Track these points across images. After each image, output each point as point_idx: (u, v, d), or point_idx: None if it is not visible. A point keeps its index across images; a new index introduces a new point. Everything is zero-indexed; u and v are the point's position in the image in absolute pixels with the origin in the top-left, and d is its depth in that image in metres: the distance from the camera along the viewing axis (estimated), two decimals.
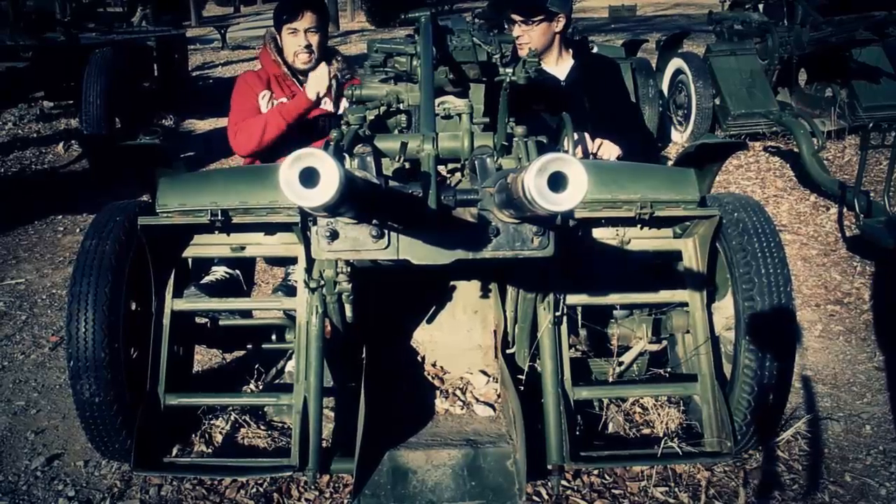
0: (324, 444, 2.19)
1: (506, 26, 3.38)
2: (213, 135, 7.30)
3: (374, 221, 1.58)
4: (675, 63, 6.61)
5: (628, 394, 2.51)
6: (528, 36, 3.22)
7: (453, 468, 2.12)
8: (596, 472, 2.29)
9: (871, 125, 4.18)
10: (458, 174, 2.16)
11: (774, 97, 6.24)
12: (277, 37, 3.22)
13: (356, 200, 1.34)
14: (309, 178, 1.11)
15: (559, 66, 3.35)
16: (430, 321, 2.60)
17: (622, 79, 3.63)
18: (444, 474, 2.11)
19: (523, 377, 2.37)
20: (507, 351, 2.43)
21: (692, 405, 2.45)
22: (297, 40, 3.12)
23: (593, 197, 2.14)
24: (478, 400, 2.44)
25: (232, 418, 2.50)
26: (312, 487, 2.24)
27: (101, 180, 5.80)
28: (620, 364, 2.50)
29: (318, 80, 3.08)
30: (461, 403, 2.43)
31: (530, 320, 2.29)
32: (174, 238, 2.27)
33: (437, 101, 2.21)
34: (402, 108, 2.31)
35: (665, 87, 6.73)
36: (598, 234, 2.29)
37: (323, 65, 3.14)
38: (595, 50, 4.23)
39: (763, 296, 2.12)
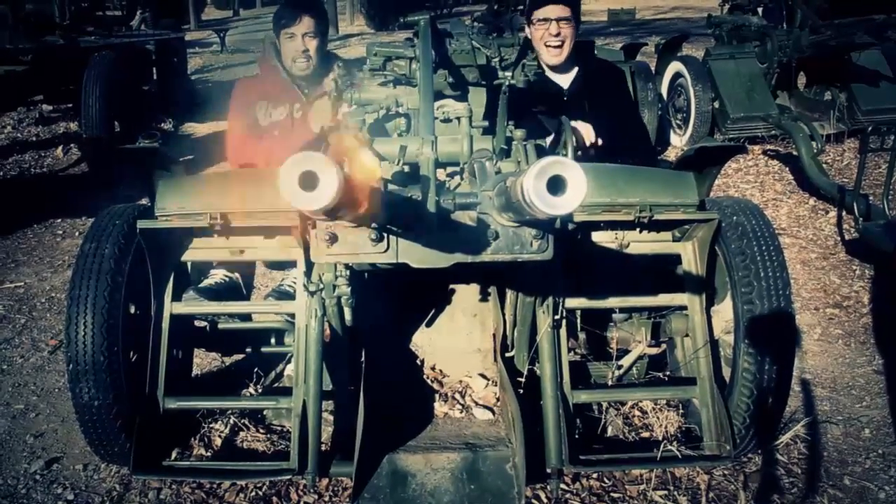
0: (323, 448, 2.19)
1: (528, 26, 3.18)
2: (213, 138, 7.29)
3: (374, 225, 1.58)
4: (675, 66, 6.62)
5: (627, 397, 2.51)
6: (565, 33, 3.05)
7: (452, 472, 2.12)
8: (595, 475, 2.29)
9: (870, 128, 4.18)
10: (457, 178, 2.16)
11: (773, 101, 6.24)
12: (276, 42, 3.22)
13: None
14: (308, 181, 1.11)
15: (564, 73, 3.24)
16: (429, 324, 2.60)
17: (626, 87, 3.51)
18: (443, 478, 2.11)
19: (522, 380, 2.37)
20: (507, 354, 2.43)
21: (691, 408, 2.45)
22: (294, 45, 3.12)
23: (592, 200, 2.14)
24: (477, 403, 2.44)
25: (231, 422, 2.50)
26: (311, 491, 2.23)
27: (100, 184, 5.80)
28: (620, 367, 2.50)
29: (322, 114, 3.07)
30: (460, 407, 2.43)
31: (529, 324, 2.29)
32: (173, 241, 2.27)
33: (437, 104, 2.21)
34: (401, 111, 2.31)
35: (664, 90, 6.74)
36: (598, 237, 2.29)
37: (325, 98, 3.12)
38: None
39: (762, 299, 2.12)
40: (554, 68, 3.19)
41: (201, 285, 2.83)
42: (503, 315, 2.46)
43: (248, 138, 3.11)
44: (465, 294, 2.60)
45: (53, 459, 2.46)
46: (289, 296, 2.69)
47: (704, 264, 2.27)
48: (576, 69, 3.23)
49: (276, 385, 2.71)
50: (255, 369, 2.73)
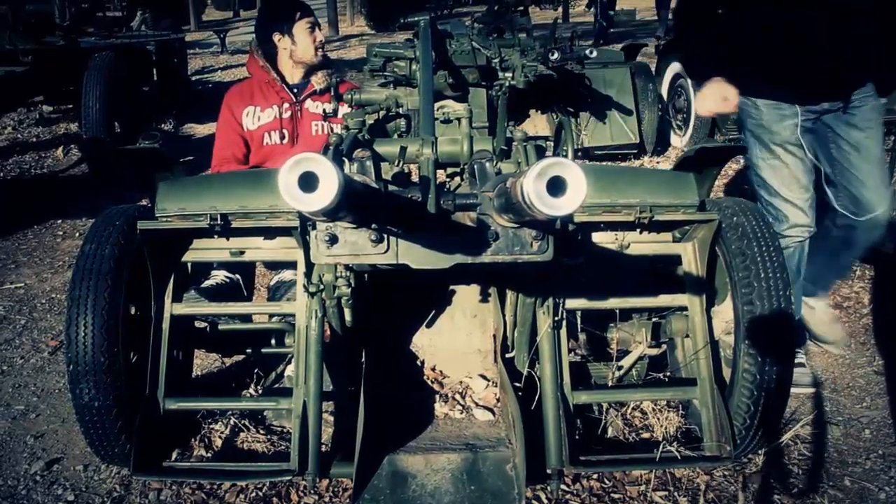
0: (323, 449, 2.18)
1: None
2: (213, 139, 7.28)
3: (374, 226, 1.58)
4: (675, 67, 6.61)
5: (628, 398, 2.51)
6: None
7: (452, 472, 2.12)
8: (595, 476, 2.29)
9: None
10: (457, 178, 2.16)
11: None
12: (280, 37, 3.21)
13: (355, 205, 1.34)
14: (308, 182, 1.11)
15: None
16: (429, 325, 2.60)
17: None
18: (443, 478, 2.11)
19: (522, 381, 2.37)
20: (507, 355, 2.43)
21: (691, 409, 2.45)
22: (315, 35, 3.17)
23: (592, 201, 2.14)
24: (477, 404, 2.44)
25: (231, 422, 2.50)
26: (312, 491, 2.24)
27: (100, 184, 5.80)
28: (620, 368, 2.50)
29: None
30: (460, 407, 2.43)
31: (529, 324, 2.29)
32: (173, 242, 2.27)
33: (437, 105, 2.21)
34: (401, 112, 2.31)
35: (664, 91, 6.73)
36: (598, 238, 2.29)
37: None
38: (594, 54, 4.17)
39: (762, 300, 2.12)
40: None
41: (202, 286, 2.83)
42: (503, 316, 2.46)
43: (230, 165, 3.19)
44: (466, 295, 2.60)
45: (54, 460, 2.46)
46: (291, 286, 2.69)
47: (705, 265, 2.27)
48: None
49: (276, 386, 2.71)
50: (256, 370, 2.73)
